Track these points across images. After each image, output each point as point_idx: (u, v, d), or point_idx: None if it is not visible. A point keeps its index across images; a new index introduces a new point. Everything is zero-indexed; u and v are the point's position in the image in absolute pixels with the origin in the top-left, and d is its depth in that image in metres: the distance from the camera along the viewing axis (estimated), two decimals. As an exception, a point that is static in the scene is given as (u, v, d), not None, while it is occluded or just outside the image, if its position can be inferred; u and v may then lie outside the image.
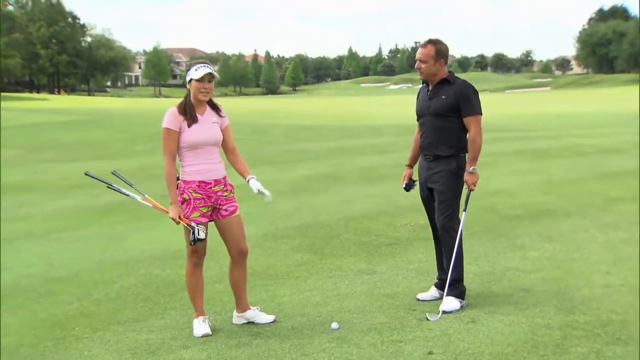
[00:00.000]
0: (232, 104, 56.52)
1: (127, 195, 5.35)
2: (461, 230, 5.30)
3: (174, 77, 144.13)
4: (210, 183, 4.87)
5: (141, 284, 6.33)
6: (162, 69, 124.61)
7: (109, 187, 5.39)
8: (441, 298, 5.32)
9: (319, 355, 4.36)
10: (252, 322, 5.10)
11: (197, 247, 4.86)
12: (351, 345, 4.51)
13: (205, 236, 4.79)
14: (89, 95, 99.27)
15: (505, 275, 6.14)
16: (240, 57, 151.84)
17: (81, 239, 8.56)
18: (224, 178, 4.97)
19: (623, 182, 12.22)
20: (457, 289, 5.27)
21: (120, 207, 10.84)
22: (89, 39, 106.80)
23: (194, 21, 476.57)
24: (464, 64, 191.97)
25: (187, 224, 4.76)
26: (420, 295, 5.55)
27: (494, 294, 5.60)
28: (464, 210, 5.36)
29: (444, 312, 5.09)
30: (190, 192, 4.84)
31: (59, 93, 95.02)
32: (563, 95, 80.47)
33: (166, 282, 6.36)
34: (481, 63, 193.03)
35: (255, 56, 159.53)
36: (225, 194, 4.95)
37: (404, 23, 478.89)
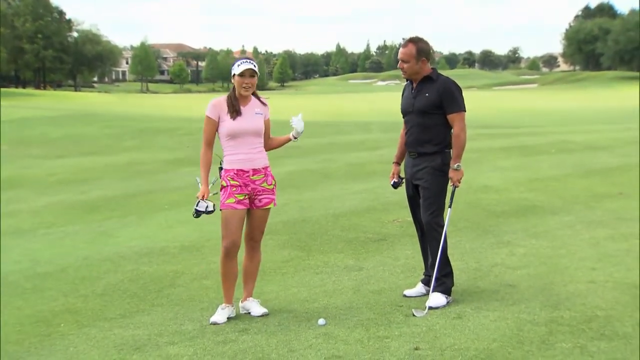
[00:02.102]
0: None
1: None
2: (446, 227, 5.32)
3: (162, 72, 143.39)
4: (248, 172, 5.03)
5: (128, 280, 6.32)
6: (149, 65, 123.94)
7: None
8: (427, 294, 5.34)
9: (306, 351, 4.37)
10: (249, 313, 5.20)
11: (226, 233, 4.98)
12: (338, 341, 4.52)
13: (206, 211, 4.93)
14: (76, 90, 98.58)
15: (492, 271, 6.17)
16: (228, 52, 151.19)
17: (68, 235, 8.52)
18: (265, 168, 5.13)
19: (609, 178, 12.30)
20: (444, 284, 5.29)
21: (107, 204, 10.81)
22: (75, 34, 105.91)
23: (182, 17, 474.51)
24: (452, 60, 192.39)
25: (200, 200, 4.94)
26: (407, 292, 5.57)
27: (480, 289, 5.62)
28: (449, 206, 5.37)
29: (430, 307, 5.11)
30: (229, 180, 5.00)
31: (44, 88, 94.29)
32: (550, 91, 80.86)
33: (153, 278, 6.35)
34: (469, 60, 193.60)
35: (243, 52, 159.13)
36: (264, 184, 5.11)
37: (392, 20, 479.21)
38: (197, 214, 4.95)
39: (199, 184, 5.16)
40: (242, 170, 5.01)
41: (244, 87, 4.99)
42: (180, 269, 6.65)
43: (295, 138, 5.34)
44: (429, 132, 5.28)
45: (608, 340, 4.39)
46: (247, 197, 5.04)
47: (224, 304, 5.15)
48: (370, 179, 12.48)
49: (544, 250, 6.97)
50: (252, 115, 5.06)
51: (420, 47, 5.24)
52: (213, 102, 5.06)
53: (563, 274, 6.01)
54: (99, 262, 7.04)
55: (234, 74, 4.99)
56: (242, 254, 5.21)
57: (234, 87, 5.05)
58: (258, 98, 5.17)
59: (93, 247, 7.76)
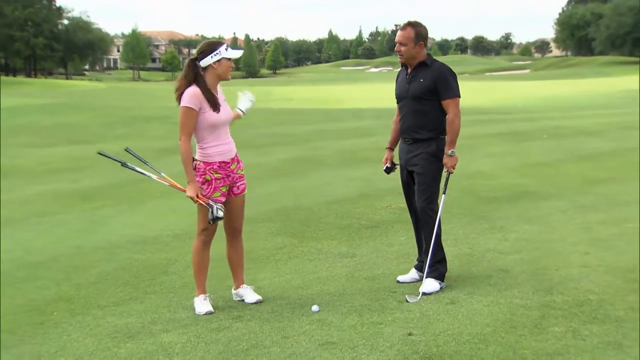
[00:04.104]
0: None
1: (142, 173, 5.31)
2: (440, 213, 5.32)
3: (153, 60, 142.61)
4: (228, 162, 4.98)
5: (121, 269, 6.31)
6: (141, 52, 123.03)
7: (123, 166, 5.36)
8: (421, 280, 5.35)
9: (300, 338, 4.38)
10: (243, 300, 5.20)
11: (208, 225, 4.93)
12: (331, 328, 4.53)
13: (223, 214, 4.87)
14: (67, 78, 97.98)
15: (485, 257, 6.19)
16: (220, 40, 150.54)
17: (61, 224, 8.48)
18: (237, 155, 5.09)
19: (600, 163, 12.35)
20: (437, 270, 5.30)
21: (100, 192, 10.77)
22: (65, 21, 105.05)
23: (173, 4, 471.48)
24: (444, 46, 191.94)
25: (206, 203, 4.85)
26: (400, 278, 5.58)
27: (473, 275, 5.64)
28: (444, 192, 5.37)
29: (424, 293, 5.12)
30: (212, 173, 4.91)
31: (35, 76, 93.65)
32: (542, 77, 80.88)
33: (146, 267, 6.34)
34: (461, 46, 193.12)
35: (235, 39, 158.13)
36: (239, 171, 5.09)
37: (385, 6, 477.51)
38: (215, 220, 4.86)
39: (156, 179, 5.15)
40: (224, 161, 4.95)
41: (230, 73, 4.95)
42: (173, 257, 6.64)
43: (243, 112, 5.36)
44: (423, 117, 5.26)
45: (600, 324, 4.42)
46: (227, 188, 5.01)
47: (202, 296, 5.06)
48: (363, 166, 12.48)
49: (537, 235, 6.99)
50: (224, 103, 4.97)
51: (418, 31, 5.21)
52: (193, 92, 4.79)
53: (555, 258, 6.03)
54: (92, 250, 7.02)
55: (222, 58, 4.84)
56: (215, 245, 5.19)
57: (201, 77, 4.82)
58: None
59: (85, 236, 7.73)
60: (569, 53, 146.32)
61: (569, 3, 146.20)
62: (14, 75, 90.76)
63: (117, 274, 6.13)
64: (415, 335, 4.33)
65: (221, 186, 4.94)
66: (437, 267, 5.31)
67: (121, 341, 4.50)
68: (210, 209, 4.81)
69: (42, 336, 4.70)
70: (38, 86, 60.25)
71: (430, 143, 5.27)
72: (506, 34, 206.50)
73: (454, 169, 5.29)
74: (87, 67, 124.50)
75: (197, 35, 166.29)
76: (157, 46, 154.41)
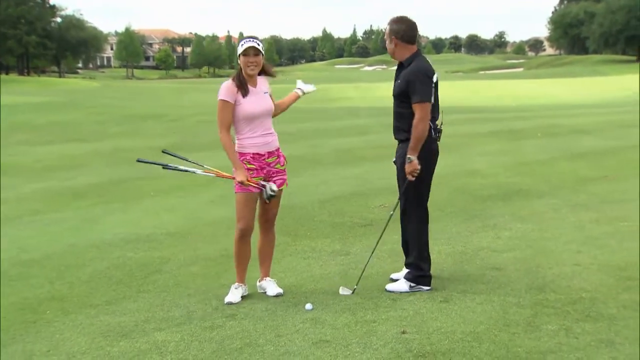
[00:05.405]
0: (206, 86, 56.00)
1: (185, 171, 5.40)
2: (390, 218, 5.33)
3: (147, 58, 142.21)
4: (263, 155, 5.07)
5: (114, 267, 6.29)
6: (134, 50, 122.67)
7: (164, 168, 5.46)
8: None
9: (293, 336, 4.38)
10: (265, 292, 5.31)
11: (242, 216, 5.04)
12: (325, 326, 4.53)
13: (276, 191, 5.00)
14: (60, 76, 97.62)
15: (478, 255, 6.20)
16: (214, 38, 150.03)
17: (54, 222, 8.46)
18: (277, 149, 5.18)
19: (594, 162, 12.39)
20: (409, 273, 5.28)
21: (94, 190, 10.75)
22: (59, 19, 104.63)
23: (167, 2, 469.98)
24: (438, 45, 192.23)
25: (256, 184, 4.97)
26: (394, 275, 5.58)
27: (467, 273, 5.65)
28: (398, 197, 5.26)
29: (387, 290, 5.23)
30: (245, 164, 5.01)
31: (28, 74, 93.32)
32: (536, 76, 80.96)
33: (139, 265, 6.33)
34: (455, 44, 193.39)
35: (229, 37, 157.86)
36: (277, 166, 5.17)
37: (379, 4, 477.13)
38: (271, 198, 5.01)
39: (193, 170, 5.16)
40: (258, 153, 5.04)
41: (249, 66, 4.98)
42: (167, 256, 6.63)
43: (303, 92, 5.55)
44: (401, 119, 5.16)
45: (593, 322, 4.44)
46: (261, 180, 5.07)
47: (237, 283, 5.21)
48: (358, 164, 12.45)
49: (530, 233, 7.01)
50: (262, 95, 5.08)
51: (392, 28, 5.11)
52: (227, 85, 5.00)
53: (548, 256, 6.05)
54: (85, 249, 7.00)
55: (239, 54, 4.98)
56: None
57: (240, 68, 5.03)
58: (266, 72, 5.18)
59: (79, 234, 7.71)
60: (562, 52, 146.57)
61: (561, 2, 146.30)
62: (7, 73, 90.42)
63: (110, 273, 6.11)
64: (409, 333, 4.33)
65: (254, 177, 5.01)
66: (411, 270, 5.30)
67: (114, 340, 4.49)
68: (264, 189, 4.94)
69: (34, 335, 4.68)
70: (32, 84, 60.02)
71: (406, 144, 5.12)
72: (500, 32, 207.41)
73: (412, 176, 5.06)
74: (80, 65, 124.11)
75: (191, 33, 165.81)
76: (150, 44, 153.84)
